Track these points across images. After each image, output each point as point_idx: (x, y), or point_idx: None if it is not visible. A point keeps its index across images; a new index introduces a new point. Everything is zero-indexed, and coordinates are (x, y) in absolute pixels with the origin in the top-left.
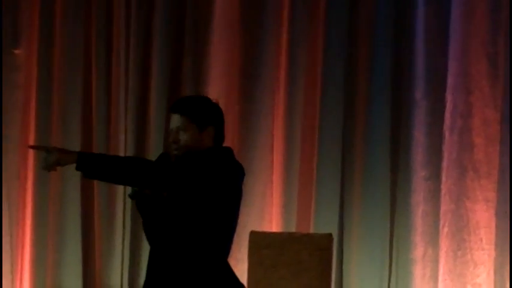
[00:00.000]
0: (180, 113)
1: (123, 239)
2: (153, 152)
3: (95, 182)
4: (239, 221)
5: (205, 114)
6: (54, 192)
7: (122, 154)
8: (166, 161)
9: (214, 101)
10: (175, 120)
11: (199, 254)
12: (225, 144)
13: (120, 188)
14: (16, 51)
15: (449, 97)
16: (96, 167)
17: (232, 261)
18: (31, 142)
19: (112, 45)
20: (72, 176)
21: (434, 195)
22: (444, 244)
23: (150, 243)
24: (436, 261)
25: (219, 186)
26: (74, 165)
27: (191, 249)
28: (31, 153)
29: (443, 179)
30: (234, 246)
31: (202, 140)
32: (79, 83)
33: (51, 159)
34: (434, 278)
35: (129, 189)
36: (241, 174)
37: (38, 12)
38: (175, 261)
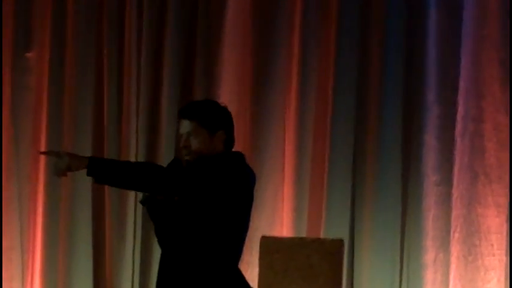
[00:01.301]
0: (189, 118)
1: (134, 244)
2: (165, 154)
3: (106, 186)
4: (250, 225)
5: (215, 118)
6: (66, 195)
7: (133, 155)
8: (178, 166)
9: (222, 105)
10: (185, 125)
11: (210, 259)
12: (235, 148)
13: (131, 192)
14: (28, 54)
15: (461, 102)
16: (108, 173)
17: (243, 266)
18: (42, 144)
19: (124, 47)
20: (83, 179)
21: (446, 200)
22: (455, 249)
23: (162, 248)
24: (447, 266)
25: (231, 192)
26: (85, 170)
27: (202, 254)
28: (42, 155)
29: (455, 183)
30: (245, 251)
31: (213, 145)
32: (90, 85)
33: (62, 164)
34: (445, 283)
35: (140, 196)
36: (252, 180)
37: (50, 15)
38: (187, 265)
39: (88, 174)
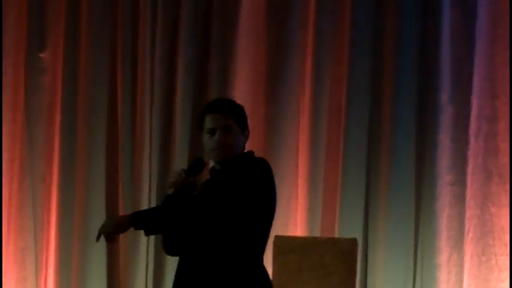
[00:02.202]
0: (225, 113)
1: (148, 244)
2: (178, 153)
3: (120, 186)
4: None
5: (245, 116)
6: (79, 196)
7: (147, 155)
8: (211, 182)
9: None
10: (220, 119)
11: (236, 256)
12: (250, 148)
13: (144, 193)
14: (42, 55)
15: (474, 101)
16: (152, 225)
17: None
18: (56, 145)
19: (138, 47)
20: (95, 180)
21: (459, 200)
22: (469, 249)
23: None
24: (460, 266)
25: (262, 194)
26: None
27: (229, 252)
28: (56, 155)
29: (469, 183)
30: None
31: (242, 142)
32: (104, 86)
33: (109, 229)
34: (459, 283)
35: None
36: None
37: (64, 16)
38: (212, 263)
39: (136, 229)
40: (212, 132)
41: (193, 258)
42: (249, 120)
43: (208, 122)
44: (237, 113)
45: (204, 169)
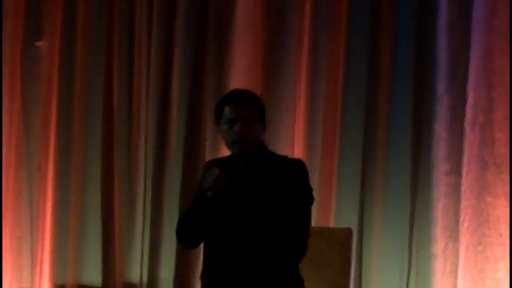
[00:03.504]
0: (246, 104)
1: (143, 233)
2: (174, 143)
3: (115, 175)
4: None
5: (263, 108)
6: (75, 185)
7: (142, 145)
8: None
9: None
10: (241, 110)
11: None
12: None
13: (140, 182)
14: (38, 44)
15: (471, 92)
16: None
17: None
18: (52, 134)
19: (134, 36)
20: (92, 168)
21: (455, 190)
22: (464, 239)
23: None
24: (456, 256)
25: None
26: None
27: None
28: (52, 145)
29: (464, 173)
30: None
31: (260, 135)
32: (101, 75)
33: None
34: (454, 272)
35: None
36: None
37: (61, 5)
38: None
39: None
40: (232, 122)
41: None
42: None
43: (228, 113)
44: (257, 105)
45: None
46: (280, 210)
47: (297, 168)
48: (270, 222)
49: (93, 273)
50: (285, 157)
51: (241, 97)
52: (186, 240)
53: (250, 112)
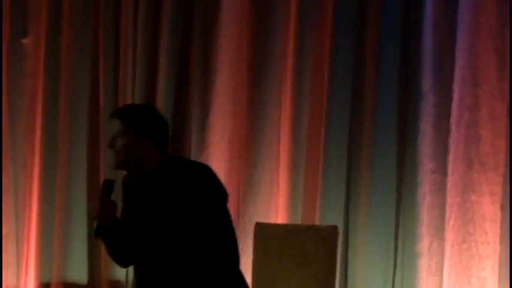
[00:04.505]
0: (119, 117)
1: None
2: None
3: (101, 172)
4: (245, 211)
5: (143, 122)
6: (61, 181)
7: None
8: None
9: (158, 111)
10: (115, 125)
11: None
12: (232, 136)
13: None
14: (24, 40)
15: (456, 90)
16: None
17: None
18: (38, 130)
19: (120, 33)
20: (78, 165)
21: (441, 188)
22: (450, 237)
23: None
24: (441, 254)
25: (212, 208)
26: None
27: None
28: (38, 141)
29: (450, 171)
30: (239, 237)
31: (140, 148)
32: (86, 71)
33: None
34: (440, 270)
35: None
36: (225, 195)
37: (46, 2)
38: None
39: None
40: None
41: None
42: (231, 108)
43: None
44: (129, 117)
45: (114, 186)
46: (171, 229)
47: (191, 182)
48: (167, 243)
49: (79, 271)
50: (187, 167)
51: (114, 111)
52: (115, 261)
53: (120, 126)
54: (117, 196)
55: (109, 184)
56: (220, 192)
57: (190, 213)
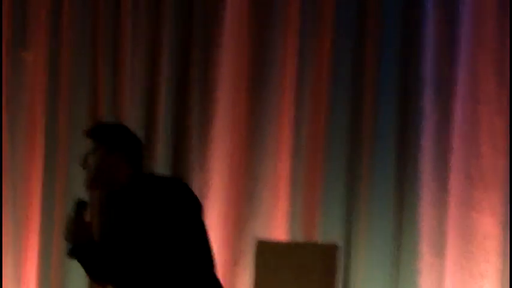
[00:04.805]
0: (89, 136)
1: None
2: (160, 154)
3: None
4: (245, 227)
5: (114, 139)
6: (61, 194)
7: None
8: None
9: (129, 128)
10: (86, 144)
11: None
12: (233, 151)
13: None
14: (24, 53)
15: (457, 106)
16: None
17: (237, 269)
18: (38, 144)
19: (120, 46)
20: (78, 178)
21: (441, 206)
22: (450, 254)
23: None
24: (441, 271)
25: (188, 225)
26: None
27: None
28: (38, 155)
29: (450, 188)
30: (240, 254)
31: (111, 166)
32: (86, 85)
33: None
34: None
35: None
36: (199, 207)
37: (45, 15)
38: None
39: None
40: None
41: None
42: (231, 123)
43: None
44: (102, 135)
45: (87, 205)
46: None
47: (164, 196)
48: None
49: (79, 283)
50: (159, 182)
51: (86, 130)
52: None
53: (91, 144)
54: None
55: (81, 204)
56: (193, 205)
57: (164, 227)
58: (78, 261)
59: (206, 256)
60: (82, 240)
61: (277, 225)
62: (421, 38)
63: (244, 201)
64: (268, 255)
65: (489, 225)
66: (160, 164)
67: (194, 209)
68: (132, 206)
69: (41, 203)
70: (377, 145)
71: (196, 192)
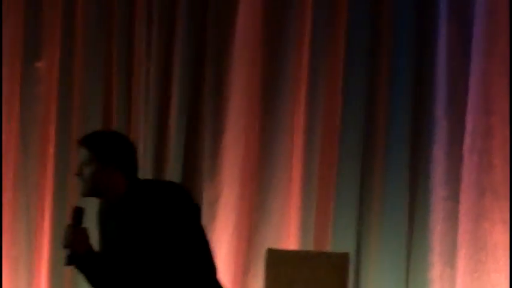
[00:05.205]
0: (85, 145)
1: None
2: (172, 164)
3: None
4: (256, 236)
5: (108, 149)
6: (72, 204)
7: (140, 166)
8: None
9: (123, 136)
10: (81, 153)
11: None
12: (244, 162)
13: None
14: (37, 64)
15: (469, 118)
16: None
17: (248, 278)
18: (51, 155)
19: (133, 58)
20: None
21: (453, 216)
22: (461, 265)
23: None
24: (453, 282)
25: (188, 233)
26: None
27: None
28: (50, 165)
29: (462, 199)
30: (250, 263)
31: (106, 175)
32: (99, 96)
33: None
34: None
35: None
36: (198, 210)
37: (59, 26)
38: None
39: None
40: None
41: None
42: (243, 133)
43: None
44: (94, 145)
45: (84, 212)
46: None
47: (162, 202)
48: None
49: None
50: (156, 188)
51: (80, 139)
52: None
53: (86, 153)
54: (93, 225)
55: (79, 212)
56: (192, 209)
57: (163, 234)
58: (78, 268)
59: (207, 261)
60: (81, 247)
61: (288, 235)
62: (434, 48)
63: (256, 211)
64: (279, 264)
65: (500, 235)
66: (172, 174)
67: (192, 214)
68: (129, 215)
69: (52, 213)
70: (389, 156)
71: (208, 201)
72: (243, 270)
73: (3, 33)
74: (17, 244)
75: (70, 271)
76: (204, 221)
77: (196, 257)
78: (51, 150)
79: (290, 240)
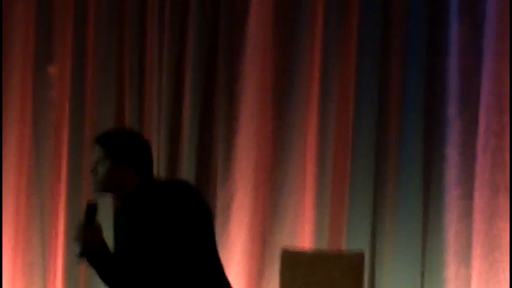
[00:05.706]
0: (100, 143)
1: None
2: (185, 166)
3: None
4: (270, 238)
5: (122, 148)
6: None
7: (155, 168)
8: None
9: (138, 135)
10: (96, 152)
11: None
12: (258, 164)
13: None
14: (49, 68)
15: (482, 117)
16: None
17: (263, 279)
18: (64, 159)
19: (145, 62)
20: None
21: (467, 214)
22: (476, 264)
23: None
24: (468, 280)
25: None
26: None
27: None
28: (64, 170)
29: (476, 198)
30: (265, 265)
31: (119, 173)
32: (112, 99)
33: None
34: None
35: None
36: (208, 211)
37: (71, 31)
38: None
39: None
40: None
41: None
42: (256, 135)
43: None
44: (108, 143)
45: (98, 209)
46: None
47: (172, 202)
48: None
49: None
50: (167, 188)
51: (96, 137)
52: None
53: (100, 151)
54: (109, 223)
55: (92, 208)
56: (202, 209)
57: (173, 234)
58: (90, 264)
59: (211, 261)
60: (94, 244)
61: (303, 235)
62: (446, 49)
63: (270, 212)
64: (294, 264)
65: None
66: (185, 176)
67: (199, 213)
68: (138, 213)
69: (65, 217)
70: (402, 154)
71: (221, 203)
72: (258, 272)
73: (16, 38)
74: (32, 250)
75: (84, 275)
76: (218, 223)
77: (199, 257)
78: (64, 154)
79: (305, 240)
